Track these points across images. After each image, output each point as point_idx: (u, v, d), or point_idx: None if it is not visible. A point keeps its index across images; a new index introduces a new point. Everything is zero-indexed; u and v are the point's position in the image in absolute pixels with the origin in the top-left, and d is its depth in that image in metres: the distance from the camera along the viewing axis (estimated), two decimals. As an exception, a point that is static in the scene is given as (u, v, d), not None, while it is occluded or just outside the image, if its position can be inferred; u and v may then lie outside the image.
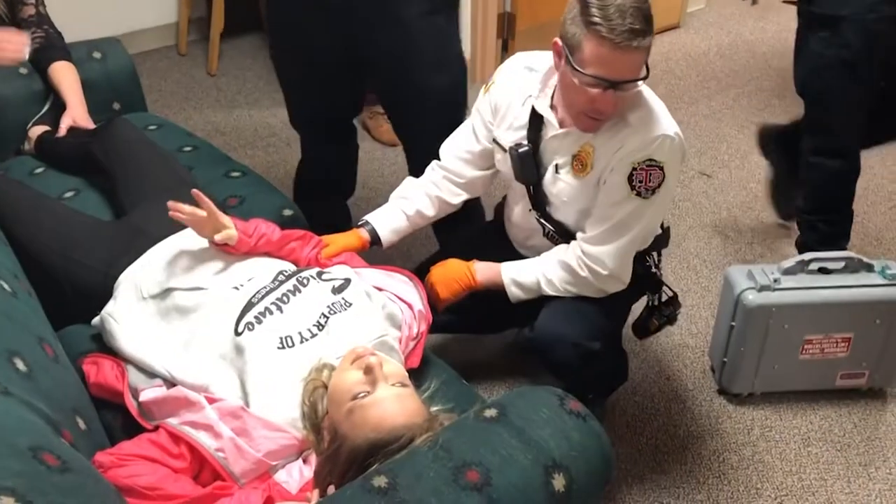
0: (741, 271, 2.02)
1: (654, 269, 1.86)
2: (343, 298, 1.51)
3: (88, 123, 2.24)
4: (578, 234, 1.70)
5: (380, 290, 1.60)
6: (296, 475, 1.32)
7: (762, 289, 1.95)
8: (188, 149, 2.21)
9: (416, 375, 1.52)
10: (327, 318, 1.47)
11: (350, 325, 1.47)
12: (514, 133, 1.73)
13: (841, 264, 2.00)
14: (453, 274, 1.78)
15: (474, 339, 2.30)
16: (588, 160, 1.63)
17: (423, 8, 1.95)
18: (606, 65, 1.48)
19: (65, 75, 2.28)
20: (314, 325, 1.46)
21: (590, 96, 1.52)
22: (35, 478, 0.94)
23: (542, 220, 1.76)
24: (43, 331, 1.42)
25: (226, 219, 1.59)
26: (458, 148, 1.86)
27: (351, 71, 2.09)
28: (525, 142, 1.70)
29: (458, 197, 1.89)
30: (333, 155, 2.43)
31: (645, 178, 1.58)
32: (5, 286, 1.39)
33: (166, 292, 1.56)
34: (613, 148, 1.60)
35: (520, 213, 1.83)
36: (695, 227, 2.78)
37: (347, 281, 1.56)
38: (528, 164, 1.70)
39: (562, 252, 1.71)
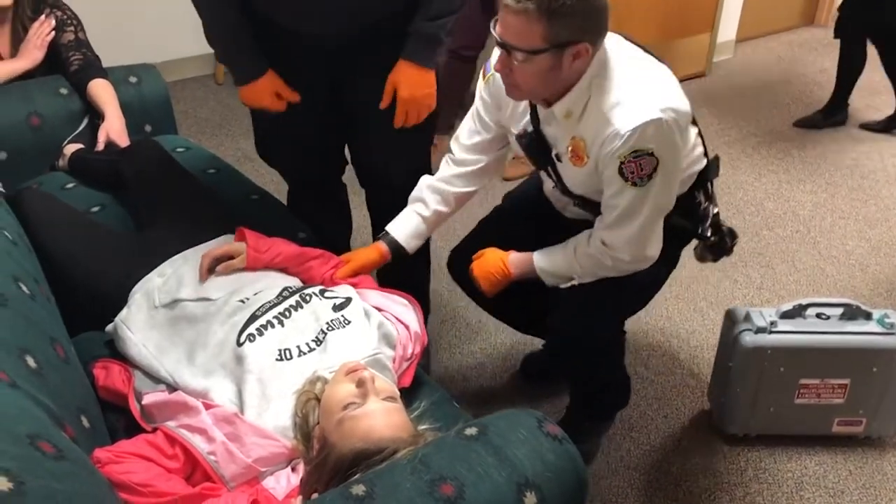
0: (740, 312, 2.05)
1: (704, 204, 1.83)
2: (342, 316, 1.58)
3: (123, 137, 2.36)
4: (597, 221, 1.70)
5: (380, 310, 1.66)
6: (283, 482, 1.38)
7: (759, 331, 1.98)
8: (212, 171, 2.30)
9: (408, 395, 1.58)
10: (325, 333, 1.53)
11: (346, 341, 1.53)
12: (520, 117, 1.73)
13: (839, 311, 2.02)
14: (491, 267, 1.83)
15: (478, 366, 2.36)
16: (582, 152, 1.62)
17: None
18: (499, 22, 1.51)
19: (102, 91, 2.41)
20: (312, 340, 1.53)
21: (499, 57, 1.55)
22: (30, 462, 1.01)
23: (568, 196, 1.78)
24: (56, 333, 1.50)
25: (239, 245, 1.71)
26: (469, 140, 1.86)
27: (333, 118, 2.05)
28: (529, 128, 1.71)
29: (476, 184, 1.90)
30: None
31: (636, 169, 1.54)
32: (24, 289, 1.48)
33: (176, 303, 1.64)
34: (598, 140, 1.57)
35: (548, 189, 1.87)
36: (704, 270, 2.81)
37: (348, 300, 1.62)
38: (536, 149, 1.71)
39: (584, 244, 1.72)
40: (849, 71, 3.72)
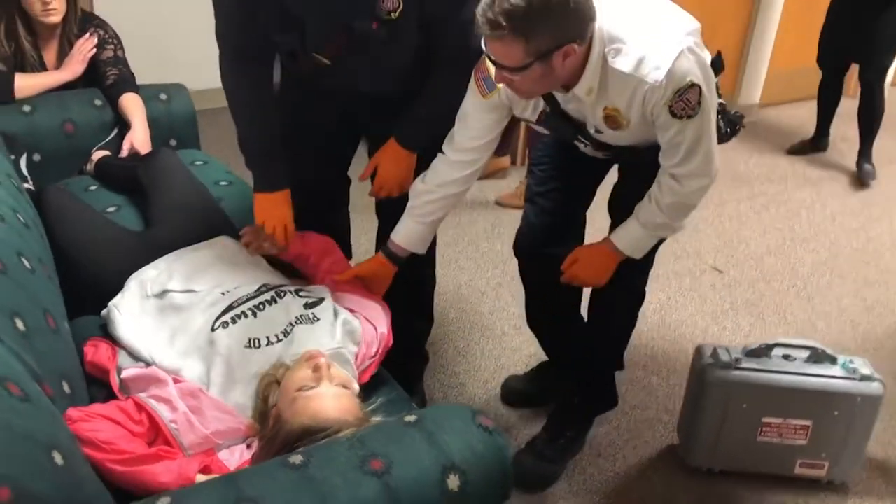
0: (708, 348, 2.11)
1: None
2: (312, 313, 1.71)
3: (146, 147, 2.54)
4: (663, 163, 1.74)
5: (352, 311, 1.78)
6: (237, 456, 1.49)
7: (723, 366, 2.04)
8: (224, 183, 2.46)
9: (369, 391, 1.69)
10: (293, 326, 1.66)
11: (311, 335, 1.65)
12: (534, 106, 1.78)
13: (805, 353, 2.08)
14: (596, 266, 1.91)
15: (459, 385, 2.45)
16: (619, 118, 1.68)
17: None
18: (485, 44, 1.57)
19: (132, 105, 2.61)
20: (281, 332, 1.65)
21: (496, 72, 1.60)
22: None
23: (600, 149, 1.85)
24: (51, 306, 1.64)
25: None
26: (469, 144, 1.86)
27: (345, 140, 2.14)
28: (547, 109, 1.77)
29: (470, 183, 1.94)
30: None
31: (685, 105, 1.60)
32: (26, 264, 1.62)
33: (165, 293, 1.78)
34: (633, 100, 1.62)
35: (583, 149, 1.91)
36: (695, 316, 2.88)
37: (321, 300, 1.75)
38: (560, 125, 1.78)
39: (659, 195, 1.78)
40: (826, 102, 4.23)
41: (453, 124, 1.87)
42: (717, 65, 1.79)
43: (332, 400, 1.46)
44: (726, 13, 4.27)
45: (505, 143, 3.58)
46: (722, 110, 1.86)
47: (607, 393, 2.21)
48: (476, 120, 1.83)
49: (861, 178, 4.07)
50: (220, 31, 1.83)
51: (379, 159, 1.99)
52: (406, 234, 1.95)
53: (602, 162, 1.99)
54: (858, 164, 4.13)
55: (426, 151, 1.94)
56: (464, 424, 1.37)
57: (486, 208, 3.54)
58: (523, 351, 2.62)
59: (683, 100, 1.60)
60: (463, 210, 3.51)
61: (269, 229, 1.93)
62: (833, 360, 2.07)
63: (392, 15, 1.72)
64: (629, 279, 2.00)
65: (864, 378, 2.04)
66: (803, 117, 4.68)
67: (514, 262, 2.25)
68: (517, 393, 2.40)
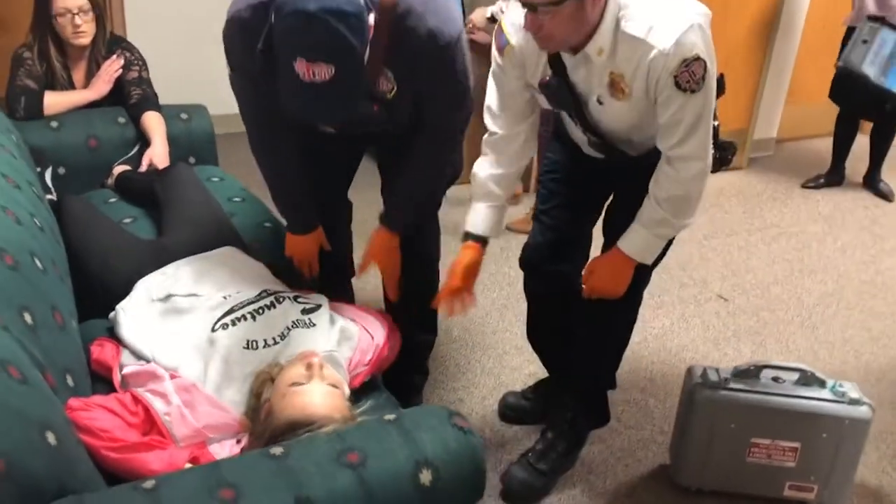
0: (699, 369, 2.15)
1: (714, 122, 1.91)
2: (309, 318, 1.78)
3: (164, 162, 2.66)
4: (662, 146, 1.78)
5: (353, 320, 1.86)
6: (226, 451, 1.56)
7: (712, 386, 2.08)
8: (237, 199, 2.56)
9: (359, 395, 1.75)
10: (290, 330, 1.73)
11: (307, 339, 1.73)
12: (541, 70, 1.83)
13: (795, 376, 2.10)
14: (614, 276, 1.95)
15: (458, 401, 2.49)
16: (623, 85, 1.72)
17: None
18: None
19: (153, 122, 2.74)
20: (278, 336, 1.72)
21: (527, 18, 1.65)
22: None
23: (595, 136, 1.89)
24: (60, 305, 1.73)
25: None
26: (509, 116, 1.93)
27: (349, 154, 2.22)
28: (549, 74, 1.80)
29: (526, 158, 2.01)
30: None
31: (690, 77, 1.65)
32: (38, 264, 1.72)
33: (169, 297, 1.86)
34: (640, 67, 1.66)
35: (577, 136, 1.97)
36: (696, 341, 2.90)
37: (318, 306, 1.83)
38: (560, 93, 1.81)
39: (657, 190, 1.82)
40: (842, 136, 4.31)
41: (438, 200, 2.01)
42: (719, 87, 1.84)
43: (320, 397, 1.53)
44: (742, 45, 4.33)
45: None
46: (714, 135, 1.90)
47: (600, 409, 2.25)
48: (501, 92, 1.90)
49: (885, 195, 4.29)
50: (240, 108, 1.95)
51: (372, 256, 2.07)
52: (481, 221, 2.00)
53: (604, 178, 2.03)
54: (874, 182, 4.33)
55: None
56: (439, 423, 1.43)
57: (511, 243, 3.60)
58: (523, 370, 2.66)
59: (689, 71, 1.64)
60: (474, 234, 3.58)
61: (297, 263, 2.10)
62: (822, 384, 2.09)
63: (389, 95, 1.83)
64: (622, 299, 2.04)
65: (852, 402, 2.06)
66: (820, 153, 4.70)
67: (520, 285, 2.32)
68: (514, 409, 2.45)
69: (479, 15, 3.52)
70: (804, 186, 4.40)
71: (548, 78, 1.81)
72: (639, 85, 1.71)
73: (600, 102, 1.80)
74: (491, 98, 1.95)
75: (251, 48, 1.66)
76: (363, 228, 2.55)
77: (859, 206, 4.20)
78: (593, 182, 2.06)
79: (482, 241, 2.02)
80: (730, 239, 3.72)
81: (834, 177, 4.41)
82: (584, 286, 1.99)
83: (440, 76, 1.82)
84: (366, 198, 2.41)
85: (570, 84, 1.80)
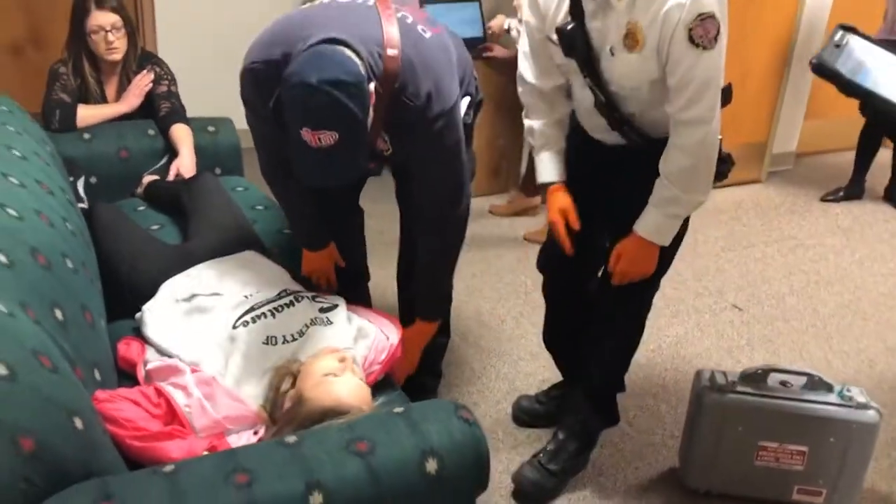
0: (707, 372, 2.19)
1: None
2: (326, 317, 1.86)
3: (192, 172, 2.75)
4: (669, 110, 1.82)
5: (369, 321, 1.93)
6: (244, 442, 1.63)
7: (719, 389, 2.12)
8: (260, 207, 2.65)
9: (373, 393, 1.81)
10: (308, 327, 1.81)
11: (325, 336, 1.81)
12: (561, 16, 1.88)
13: (802, 380, 2.14)
14: (641, 260, 1.99)
15: (472, 404, 2.55)
16: (638, 35, 1.75)
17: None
18: None
19: (181, 134, 2.84)
20: (296, 332, 1.80)
21: None
22: (27, 364, 1.27)
23: (601, 93, 1.91)
24: (90, 304, 1.82)
25: None
26: (538, 66, 2.02)
27: None
28: (568, 20, 1.85)
29: (565, 101, 2.07)
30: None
31: (704, 33, 1.69)
32: (69, 265, 1.81)
33: (193, 297, 1.95)
34: (656, 21, 1.71)
35: (586, 106, 1.99)
36: (710, 350, 2.94)
37: (335, 306, 1.91)
38: (575, 39, 1.84)
39: (666, 164, 1.87)
40: (865, 148, 4.32)
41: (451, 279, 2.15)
42: (727, 95, 1.90)
43: (354, 389, 1.63)
44: (761, 58, 4.37)
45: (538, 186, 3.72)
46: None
47: (609, 410, 2.30)
48: (532, 40, 2.00)
49: None
50: (252, 134, 2.03)
51: (409, 339, 2.07)
52: (552, 169, 2.09)
53: (612, 171, 2.05)
54: (895, 195, 4.36)
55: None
56: (445, 415, 1.50)
57: (515, 244, 3.67)
58: (537, 376, 2.72)
59: (703, 27, 1.69)
60: (491, 245, 3.65)
61: (314, 280, 2.17)
62: (829, 388, 2.12)
63: (385, 153, 1.92)
64: (632, 300, 2.10)
65: (860, 406, 2.09)
66: (841, 167, 4.72)
67: (537, 294, 2.38)
68: (527, 412, 2.50)
69: (499, 22, 3.63)
70: (823, 199, 4.42)
71: (566, 25, 1.86)
72: (652, 38, 1.74)
73: (612, 53, 1.84)
74: (523, 45, 2.05)
75: (264, 100, 1.74)
76: (380, 239, 2.64)
77: (879, 219, 4.21)
78: (601, 181, 2.11)
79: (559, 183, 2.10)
80: (747, 251, 3.75)
81: (854, 189, 4.42)
82: (612, 272, 2.02)
83: (432, 146, 1.87)
84: (382, 209, 2.48)
85: (586, 31, 1.85)
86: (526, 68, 2.06)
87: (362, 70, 1.61)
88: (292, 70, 1.58)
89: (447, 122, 1.83)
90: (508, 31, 3.59)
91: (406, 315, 2.19)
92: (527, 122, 2.12)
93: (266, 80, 1.74)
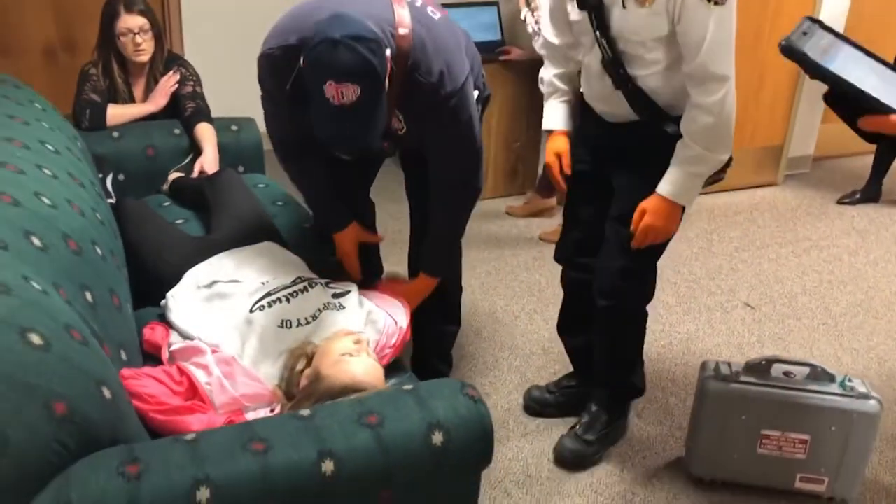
0: (711, 363, 2.24)
1: None
2: (339, 302, 1.95)
3: (215, 169, 2.85)
4: (685, 69, 1.89)
5: (379, 306, 2.01)
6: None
7: (723, 378, 2.17)
8: (280, 203, 2.74)
9: (385, 374, 1.90)
10: (321, 312, 1.90)
11: (337, 320, 1.89)
12: None
13: (805, 371, 2.18)
14: (664, 219, 2.04)
15: (484, 395, 2.60)
16: None
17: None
18: None
19: (205, 133, 2.94)
20: (310, 316, 1.89)
21: None
22: (60, 337, 1.37)
23: (609, 50, 1.97)
24: (116, 288, 1.91)
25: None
26: (555, 25, 2.17)
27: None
28: None
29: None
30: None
31: None
32: (98, 251, 1.91)
33: (214, 283, 2.04)
34: None
35: (594, 71, 2.06)
36: (721, 346, 2.98)
37: (348, 291, 1.99)
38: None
39: (688, 123, 1.94)
40: (883, 150, 4.34)
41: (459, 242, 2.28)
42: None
43: (371, 368, 1.71)
44: (777, 61, 4.40)
45: (553, 186, 3.80)
46: None
47: (630, 384, 2.41)
48: (551, 7, 2.15)
49: None
50: (266, 120, 2.12)
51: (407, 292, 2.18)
52: (559, 116, 2.25)
53: (617, 159, 2.14)
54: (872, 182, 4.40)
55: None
56: (452, 392, 1.57)
57: (530, 243, 3.74)
58: (548, 369, 2.78)
59: None
60: (507, 244, 3.72)
61: (344, 262, 2.27)
62: (831, 379, 2.17)
63: (399, 132, 2.01)
64: (634, 281, 2.19)
65: (861, 396, 2.13)
66: (858, 171, 4.74)
67: (550, 292, 2.46)
68: (538, 402, 2.56)
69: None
70: (839, 202, 4.44)
71: None
72: None
73: (624, 6, 1.90)
74: (545, 4, 2.20)
75: (281, 85, 1.84)
76: (396, 238, 2.71)
77: (895, 221, 4.23)
78: (608, 172, 2.19)
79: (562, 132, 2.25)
80: (760, 251, 3.79)
81: (870, 192, 4.44)
82: (635, 231, 2.07)
83: (445, 123, 1.97)
84: (397, 209, 2.56)
85: None
86: (546, 24, 2.22)
87: (381, 35, 1.71)
88: (315, 33, 1.68)
89: (459, 100, 1.93)
90: (525, 20, 3.64)
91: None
92: (542, 74, 2.28)
93: (283, 64, 1.83)
